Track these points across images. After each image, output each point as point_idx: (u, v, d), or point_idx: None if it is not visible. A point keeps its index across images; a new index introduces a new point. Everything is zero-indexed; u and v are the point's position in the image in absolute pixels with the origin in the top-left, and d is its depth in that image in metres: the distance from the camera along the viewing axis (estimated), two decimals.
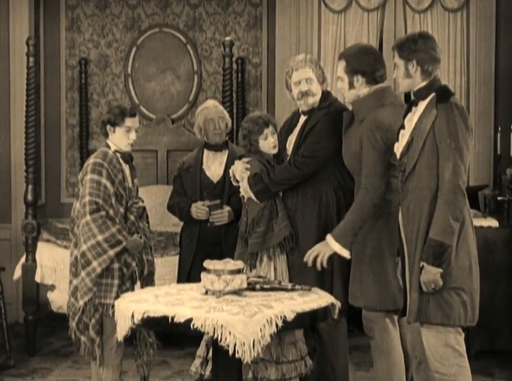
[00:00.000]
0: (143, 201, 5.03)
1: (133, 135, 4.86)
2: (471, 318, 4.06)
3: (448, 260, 3.96)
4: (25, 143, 6.52)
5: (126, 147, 4.88)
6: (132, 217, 4.86)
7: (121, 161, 4.87)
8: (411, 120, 4.15)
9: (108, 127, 4.86)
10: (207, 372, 4.77)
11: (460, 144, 3.96)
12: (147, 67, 8.13)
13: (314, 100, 4.88)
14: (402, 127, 4.21)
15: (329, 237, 4.46)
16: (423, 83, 4.12)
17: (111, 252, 4.70)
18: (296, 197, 4.83)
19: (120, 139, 4.86)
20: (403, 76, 4.17)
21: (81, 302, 4.73)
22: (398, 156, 4.19)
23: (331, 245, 4.44)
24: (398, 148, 4.20)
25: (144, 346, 4.93)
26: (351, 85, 4.55)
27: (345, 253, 4.43)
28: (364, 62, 4.46)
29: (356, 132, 4.50)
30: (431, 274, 3.94)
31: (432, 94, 4.08)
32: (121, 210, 4.81)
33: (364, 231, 4.49)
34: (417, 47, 4.10)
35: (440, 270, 3.93)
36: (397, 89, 4.50)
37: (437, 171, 3.99)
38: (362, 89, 4.53)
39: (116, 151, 4.86)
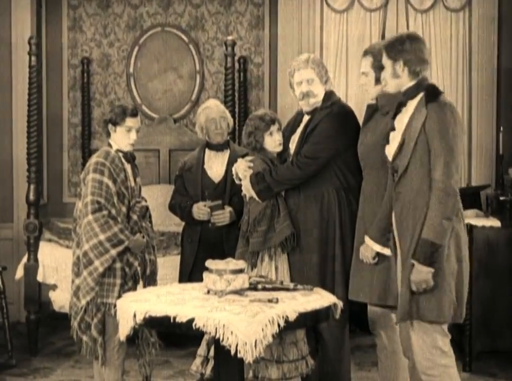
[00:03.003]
0: (146, 201, 5.03)
1: (133, 135, 4.85)
2: (458, 315, 4.06)
3: (440, 259, 3.95)
4: (27, 142, 6.52)
5: (126, 147, 4.87)
6: (135, 217, 4.85)
7: (123, 160, 4.86)
8: (401, 121, 4.15)
9: (110, 126, 4.86)
10: (208, 371, 4.77)
11: (450, 143, 3.96)
12: (149, 67, 8.13)
13: (315, 100, 4.88)
14: (392, 129, 4.20)
15: (367, 239, 4.47)
16: (411, 83, 4.13)
17: (113, 252, 4.69)
18: (298, 196, 4.83)
19: (120, 139, 4.86)
20: (391, 76, 4.18)
21: (83, 302, 4.73)
22: (390, 159, 4.17)
23: (372, 247, 4.46)
24: (389, 150, 4.19)
25: (146, 346, 4.93)
26: (377, 81, 4.59)
27: (387, 251, 4.43)
28: None
29: (378, 124, 4.51)
30: (423, 273, 3.94)
31: (421, 94, 4.09)
32: (124, 209, 4.81)
33: (367, 224, 4.51)
34: (403, 48, 4.11)
35: (431, 270, 3.94)
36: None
37: (429, 171, 3.99)
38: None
39: (118, 150, 4.86)
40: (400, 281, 4.15)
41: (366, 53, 4.71)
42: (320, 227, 4.77)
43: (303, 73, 4.88)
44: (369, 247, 4.47)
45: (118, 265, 4.74)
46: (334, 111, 4.82)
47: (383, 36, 7.67)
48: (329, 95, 4.90)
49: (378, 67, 4.59)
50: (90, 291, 4.71)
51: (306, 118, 4.92)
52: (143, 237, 4.84)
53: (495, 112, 7.57)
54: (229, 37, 6.70)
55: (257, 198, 4.85)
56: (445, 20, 7.70)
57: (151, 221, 5.03)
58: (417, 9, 7.69)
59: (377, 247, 4.45)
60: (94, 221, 4.69)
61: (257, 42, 8.02)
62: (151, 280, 4.90)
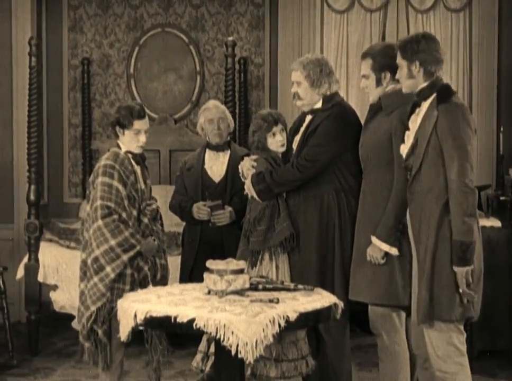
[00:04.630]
0: (156, 201, 4.95)
1: (142, 138, 4.71)
2: (476, 312, 4.09)
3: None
4: (27, 142, 6.52)
5: (136, 149, 4.74)
6: (146, 220, 4.76)
7: (133, 162, 4.76)
8: (415, 122, 4.16)
9: (118, 128, 4.73)
10: (207, 368, 4.80)
11: (463, 143, 3.97)
12: (150, 68, 8.13)
13: (302, 103, 4.89)
14: (407, 128, 4.21)
15: (375, 239, 4.46)
16: (426, 84, 4.13)
17: (125, 257, 4.61)
18: (298, 197, 4.83)
19: (129, 141, 4.73)
20: (406, 76, 4.18)
21: (93, 308, 4.62)
22: (404, 158, 4.19)
23: (380, 246, 4.44)
24: (404, 149, 4.21)
25: (154, 353, 4.85)
26: (378, 83, 4.58)
27: (395, 251, 4.44)
28: (391, 58, 4.38)
29: (381, 124, 4.51)
30: (460, 274, 3.96)
31: (434, 95, 4.09)
32: (134, 212, 4.71)
33: (368, 225, 4.50)
34: (419, 49, 4.11)
35: (467, 268, 3.96)
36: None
37: (442, 172, 4.00)
38: (389, 85, 4.55)
39: (127, 152, 4.75)
40: (417, 284, 4.15)
41: (365, 55, 4.68)
42: (319, 229, 4.76)
43: (294, 74, 4.91)
44: (377, 247, 4.45)
45: (128, 271, 4.65)
46: (334, 114, 4.80)
47: (383, 37, 7.68)
48: (330, 97, 4.86)
49: (378, 69, 4.58)
50: (101, 297, 4.62)
51: (309, 118, 4.91)
52: (154, 240, 4.79)
53: (496, 112, 7.57)
54: (230, 38, 6.70)
55: (257, 198, 4.86)
56: (445, 20, 7.71)
57: (161, 224, 4.95)
58: (417, 9, 7.70)
59: (386, 247, 4.43)
60: (105, 227, 4.59)
61: (258, 43, 8.02)
62: (161, 284, 4.71)
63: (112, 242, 4.58)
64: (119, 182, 4.64)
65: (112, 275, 4.60)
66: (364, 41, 7.67)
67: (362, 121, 4.82)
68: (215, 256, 4.31)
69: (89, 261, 4.66)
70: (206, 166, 5.66)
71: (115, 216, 4.61)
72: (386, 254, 4.45)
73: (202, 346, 4.83)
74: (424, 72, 4.13)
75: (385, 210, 4.44)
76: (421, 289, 4.08)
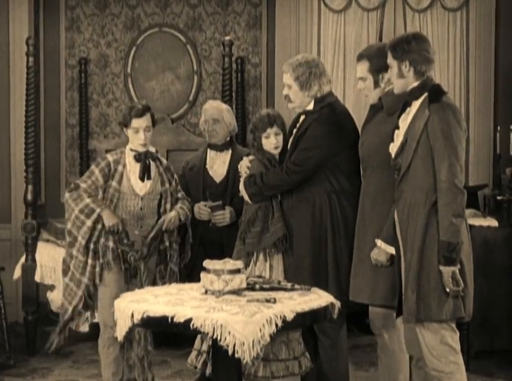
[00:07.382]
0: (184, 200, 5.13)
1: (141, 135, 4.87)
2: (468, 313, 4.08)
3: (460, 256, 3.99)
4: (25, 142, 6.53)
5: (138, 147, 4.91)
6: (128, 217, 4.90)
7: (127, 159, 4.92)
8: (405, 121, 4.16)
9: (123, 128, 4.95)
10: (199, 365, 4.83)
11: (454, 144, 3.99)
12: (147, 67, 8.13)
13: (293, 105, 4.89)
14: (397, 127, 4.21)
15: (380, 242, 4.43)
16: (416, 83, 4.13)
17: (89, 222, 4.80)
18: (291, 199, 4.82)
19: (131, 140, 4.93)
20: (396, 76, 4.19)
21: (86, 280, 4.85)
22: (393, 156, 4.20)
23: (386, 249, 4.41)
24: (393, 148, 4.21)
25: (137, 346, 4.92)
26: (376, 84, 4.57)
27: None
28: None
29: (383, 125, 4.49)
30: (446, 274, 3.97)
31: (425, 95, 4.10)
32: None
33: (369, 227, 4.49)
34: (410, 48, 4.12)
35: (453, 268, 3.96)
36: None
37: (432, 171, 4.01)
38: (387, 86, 4.54)
39: (130, 149, 4.95)
40: (404, 283, 4.16)
41: (361, 57, 4.65)
42: (312, 230, 4.75)
43: (284, 77, 4.90)
44: (383, 250, 4.42)
45: (91, 246, 4.83)
46: (323, 117, 4.77)
47: (380, 36, 7.67)
48: (321, 98, 4.82)
49: (376, 71, 4.56)
50: (85, 266, 4.84)
51: (302, 119, 4.90)
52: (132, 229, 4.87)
53: (493, 112, 7.58)
54: (227, 38, 6.71)
55: (249, 201, 4.86)
56: (443, 19, 7.71)
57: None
58: (414, 9, 7.70)
59: (392, 250, 4.40)
60: (69, 198, 4.86)
61: (255, 42, 8.01)
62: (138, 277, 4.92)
63: (76, 210, 4.82)
64: (100, 172, 4.88)
65: (83, 243, 4.83)
66: (361, 40, 7.67)
67: (358, 122, 4.81)
68: (214, 256, 4.32)
69: (66, 236, 4.90)
70: (208, 166, 5.66)
71: (81, 190, 4.84)
72: (391, 256, 4.43)
73: (197, 344, 4.87)
74: (414, 71, 4.14)
75: (387, 212, 4.41)
76: (407, 289, 4.09)
